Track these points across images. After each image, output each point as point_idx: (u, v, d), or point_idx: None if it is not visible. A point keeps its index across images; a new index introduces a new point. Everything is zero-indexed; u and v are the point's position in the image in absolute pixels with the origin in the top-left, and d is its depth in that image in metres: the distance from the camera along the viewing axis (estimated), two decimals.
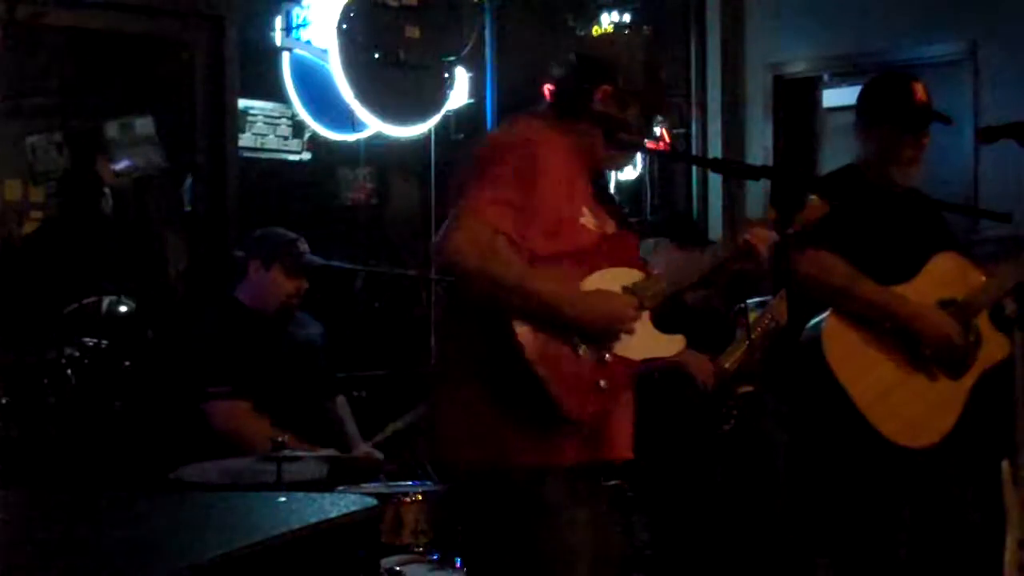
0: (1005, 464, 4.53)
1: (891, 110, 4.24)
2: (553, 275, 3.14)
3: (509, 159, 3.18)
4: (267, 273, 4.91)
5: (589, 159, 3.30)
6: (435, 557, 4.22)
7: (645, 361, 3.25)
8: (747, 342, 4.99)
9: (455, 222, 3.14)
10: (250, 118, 6.02)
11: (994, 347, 4.26)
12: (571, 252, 3.19)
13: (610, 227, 3.32)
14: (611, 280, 3.21)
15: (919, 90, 4.27)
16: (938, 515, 4.20)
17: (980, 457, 4.44)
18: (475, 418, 3.23)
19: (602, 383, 3.13)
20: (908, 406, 4.11)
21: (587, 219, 3.24)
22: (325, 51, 6.09)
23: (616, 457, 3.28)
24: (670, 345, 3.31)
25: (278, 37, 6.08)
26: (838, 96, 7.61)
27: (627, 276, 3.25)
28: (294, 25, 6.10)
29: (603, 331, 3.13)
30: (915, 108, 4.24)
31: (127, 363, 5.31)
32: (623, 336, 3.16)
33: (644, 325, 3.23)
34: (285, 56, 6.11)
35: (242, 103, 5.97)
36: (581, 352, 3.12)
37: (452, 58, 6.37)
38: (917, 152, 4.26)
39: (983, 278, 4.25)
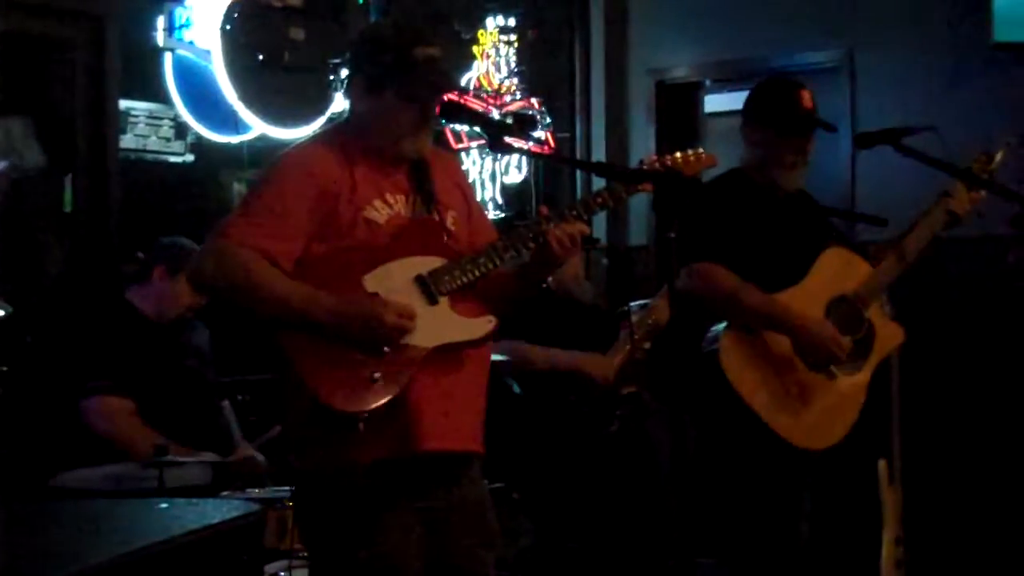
0: (881, 463, 4.63)
1: (776, 114, 4.29)
2: (323, 276, 3.13)
3: (267, 180, 3.27)
4: (171, 281, 4.87)
5: (381, 149, 3.27)
6: None
7: (443, 347, 3.18)
8: (630, 343, 5.03)
9: (204, 244, 3.24)
10: (132, 119, 5.94)
11: (889, 335, 4.32)
12: (352, 248, 3.17)
13: (420, 211, 3.29)
14: (404, 270, 3.19)
15: (805, 97, 4.31)
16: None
17: (856, 456, 4.51)
18: (289, 422, 3.30)
19: (376, 375, 3.08)
20: (810, 410, 4.14)
21: (377, 211, 3.22)
22: (208, 52, 6.04)
23: (432, 449, 3.17)
24: (474, 328, 3.25)
25: (160, 37, 6.01)
26: (719, 101, 7.74)
27: (425, 264, 3.21)
28: (176, 25, 6.04)
29: (361, 336, 3.09)
30: (799, 114, 4.29)
31: (4, 368, 5.22)
32: (388, 339, 3.11)
33: (441, 310, 3.20)
34: (167, 56, 6.04)
35: (123, 104, 5.89)
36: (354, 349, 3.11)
37: (336, 60, 6.35)
38: (800, 157, 4.30)
39: (870, 269, 4.31)
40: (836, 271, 4.26)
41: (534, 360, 5.01)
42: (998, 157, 4.38)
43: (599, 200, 3.39)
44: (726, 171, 4.39)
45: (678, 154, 3.50)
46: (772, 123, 4.27)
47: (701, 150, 3.54)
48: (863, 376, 4.25)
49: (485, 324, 3.27)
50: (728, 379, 4.06)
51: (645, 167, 3.45)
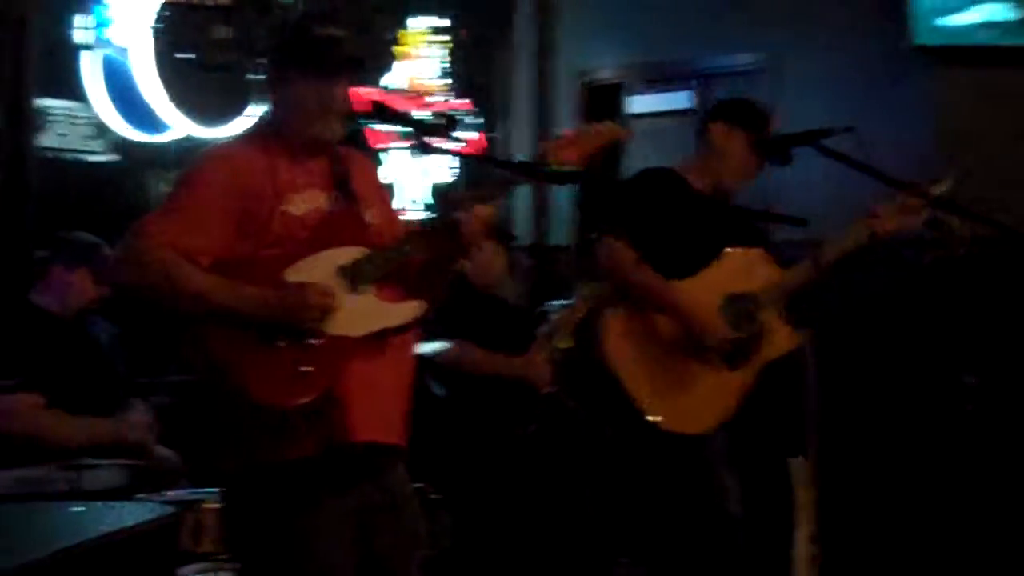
0: (796, 462, 4.67)
1: (755, 124, 4.41)
2: (246, 272, 3.12)
3: (186, 179, 3.27)
4: (72, 276, 4.84)
5: (295, 138, 3.27)
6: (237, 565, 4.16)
7: (371, 335, 3.19)
8: (550, 343, 5.05)
9: (120, 243, 3.20)
10: (51, 118, 5.89)
11: (780, 340, 4.38)
12: (273, 243, 3.17)
13: (339, 205, 3.29)
14: (326, 262, 3.18)
15: (776, 122, 4.47)
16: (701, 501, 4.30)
17: (770, 454, 4.56)
18: (215, 424, 3.25)
19: (305, 367, 3.08)
20: (681, 395, 4.21)
21: (295, 206, 3.22)
22: (126, 50, 6.00)
23: (361, 440, 3.15)
24: (402, 312, 3.26)
25: (80, 35, 5.97)
26: (644, 103, 7.79)
27: (347, 255, 3.21)
28: (97, 23, 6.00)
29: (285, 323, 3.09)
30: (773, 136, 4.42)
31: None
32: (312, 322, 3.11)
33: (366, 298, 3.20)
34: (88, 55, 5.99)
35: (42, 102, 5.84)
36: (282, 342, 3.11)
37: (263, 60, 6.32)
38: (751, 173, 4.46)
39: (777, 273, 4.38)
40: (739, 269, 4.35)
41: (481, 364, 5.03)
42: (943, 186, 4.43)
43: (513, 180, 3.43)
44: (657, 167, 4.47)
45: (588, 126, 3.50)
46: (748, 129, 4.36)
47: (610, 122, 3.54)
48: (745, 373, 4.31)
49: (413, 308, 3.28)
50: (603, 352, 4.13)
51: (560, 142, 3.43)
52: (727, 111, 4.49)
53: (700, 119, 4.56)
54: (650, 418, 4.16)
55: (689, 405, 4.22)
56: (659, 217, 4.25)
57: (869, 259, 4.46)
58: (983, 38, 6.49)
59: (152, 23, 6.00)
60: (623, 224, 4.21)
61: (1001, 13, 6.48)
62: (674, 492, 4.24)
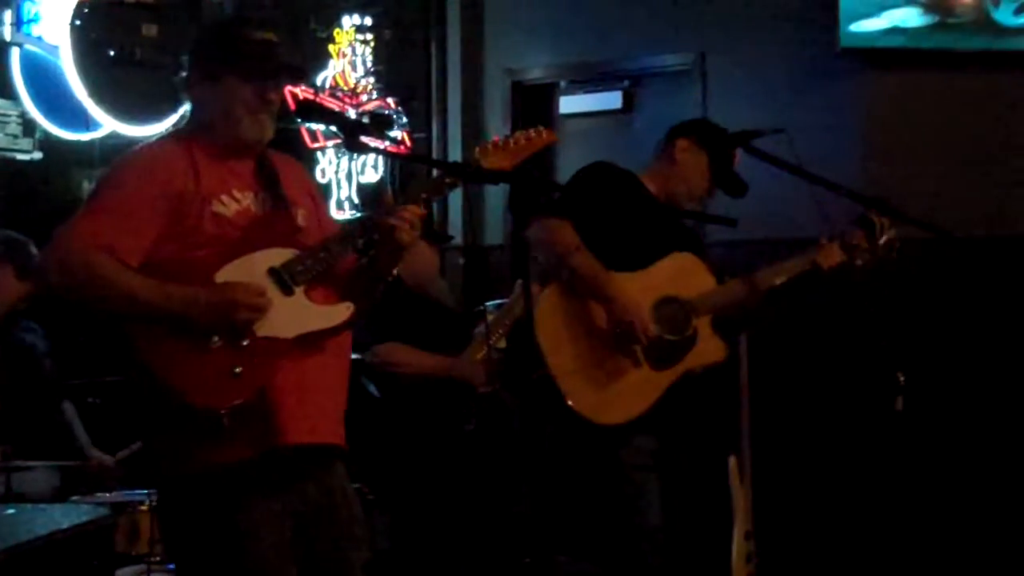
0: (732, 460, 4.72)
1: (717, 155, 4.47)
2: (175, 274, 3.10)
3: (110, 179, 3.24)
4: None
5: (223, 139, 3.27)
6: (172, 567, 4.14)
7: (304, 337, 3.19)
8: (486, 343, 5.06)
9: (47, 245, 3.16)
10: None
11: (708, 350, 4.40)
12: (203, 244, 3.16)
13: (268, 207, 3.29)
14: (256, 263, 3.18)
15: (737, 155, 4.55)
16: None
17: (707, 454, 4.60)
18: (149, 427, 3.23)
19: (237, 369, 3.06)
20: (602, 383, 4.24)
21: (225, 206, 3.21)
22: (57, 47, 5.94)
23: (295, 442, 3.15)
24: (333, 315, 3.26)
25: (7, 32, 5.90)
26: (574, 103, 7.81)
27: (277, 256, 3.21)
28: (25, 20, 5.93)
29: (216, 323, 3.07)
30: (733, 170, 4.51)
31: None
32: (245, 321, 3.10)
33: (298, 300, 3.20)
34: (15, 52, 5.93)
35: None
36: (214, 343, 3.09)
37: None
38: (704, 195, 4.53)
39: (713, 284, 4.41)
40: (679, 273, 4.38)
41: (406, 364, 5.02)
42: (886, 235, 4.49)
43: (448, 181, 3.43)
44: (623, 169, 4.51)
45: (519, 134, 3.52)
46: (712, 154, 4.42)
47: (541, 128, 3.56)
48: (668, 375, 4.33)
49: (344, 311, 3.28)
50: (535, 331, 4.13)
51: (489, 149, 3.45)
52: (697, 130, 4.54)
53: (668, 127, 4.61)
54: (566, 400, 4.18)
55: (606, 397, 4.25)
56: (609, 208, 4.28)
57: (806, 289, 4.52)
58: (891, 42, 6.61)
59: (73, 20, 5.93)
60: (570, 209, 4.23)
61: (908, 19, 6.60)
62: (597, 494, 4.27)
